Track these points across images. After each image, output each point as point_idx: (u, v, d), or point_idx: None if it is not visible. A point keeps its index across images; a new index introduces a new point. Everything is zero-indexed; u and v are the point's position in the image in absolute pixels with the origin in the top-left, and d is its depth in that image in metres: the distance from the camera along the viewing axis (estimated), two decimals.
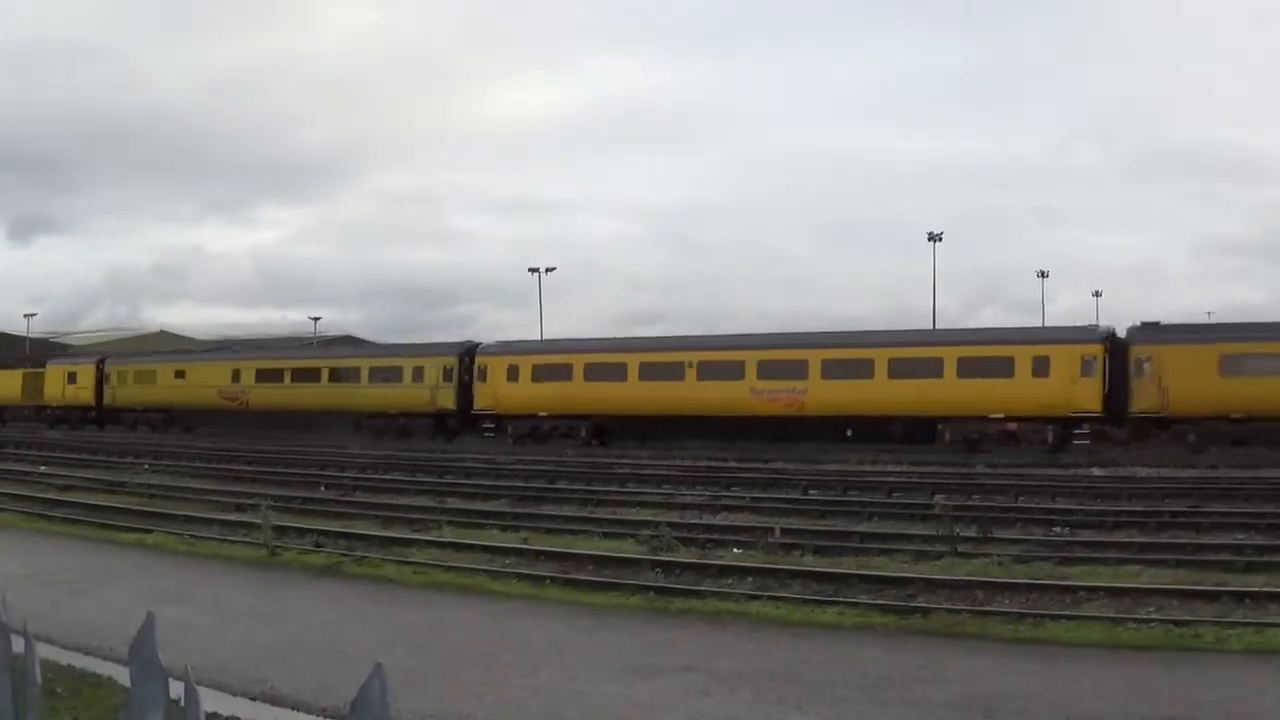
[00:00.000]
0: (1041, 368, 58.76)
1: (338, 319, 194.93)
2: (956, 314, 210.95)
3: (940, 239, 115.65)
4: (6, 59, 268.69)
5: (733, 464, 50.69)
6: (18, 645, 4.29)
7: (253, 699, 15.24)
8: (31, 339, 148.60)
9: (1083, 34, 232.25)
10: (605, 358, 72.30)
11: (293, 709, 14.89)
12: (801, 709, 14.39)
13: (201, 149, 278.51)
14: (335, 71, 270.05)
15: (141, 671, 1.89)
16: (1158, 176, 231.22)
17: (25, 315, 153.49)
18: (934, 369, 61.17)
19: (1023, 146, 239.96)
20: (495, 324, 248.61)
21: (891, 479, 42.78)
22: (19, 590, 20.71)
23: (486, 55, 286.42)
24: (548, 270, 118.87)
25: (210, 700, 14.14)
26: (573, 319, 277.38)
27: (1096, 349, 59.12)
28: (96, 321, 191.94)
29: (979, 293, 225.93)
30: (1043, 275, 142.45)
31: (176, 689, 2.90)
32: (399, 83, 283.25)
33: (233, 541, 29.92)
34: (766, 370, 65.21)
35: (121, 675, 16.00)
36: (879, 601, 20.66)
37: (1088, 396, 58.15)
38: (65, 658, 16.41)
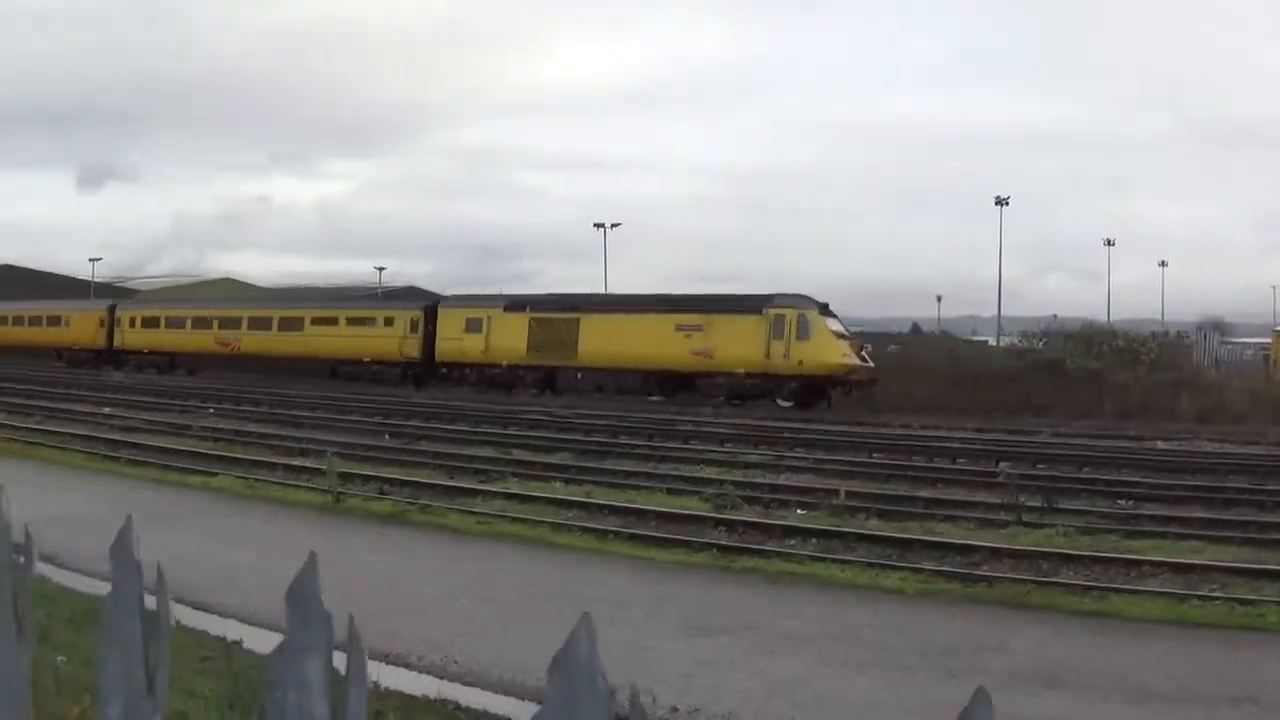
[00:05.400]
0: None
1: (402, 270, 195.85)
2: (1023, 280, 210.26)
3: (1007, 204, 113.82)
4: (81, 16, 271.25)
5: (797, 424, 50.56)
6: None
7: None
8: (96, 284, 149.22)
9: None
10: None
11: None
12: (865, 673, 14.39)
13: (269, 103, 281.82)
14: (403, 29, 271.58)
15: (121, 572, 1.89)
16: (1226, 147, 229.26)
17: (90, 260, 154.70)
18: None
19: (1091, 113, 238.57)
20: (559, 279, 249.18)
21: (957, 445, 42.64)
22: (85, 530, 20.88)
23: (554, 14, 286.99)
24: (613, 226, 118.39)
25: (271, 642, 14.25)
26: (637, 275, 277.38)
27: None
28: (163, 268, 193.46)
29: (1046, 260, 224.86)
30: (1109, 244, 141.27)
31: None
32: (466, 40, 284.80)
33: (297, 487, 30.04)
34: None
35: (184, 615, 16.10)
36: (944, 568, 20.59)
37: None
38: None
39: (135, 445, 38.62)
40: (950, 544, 22.76)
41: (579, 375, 72.38)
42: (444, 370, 79.60)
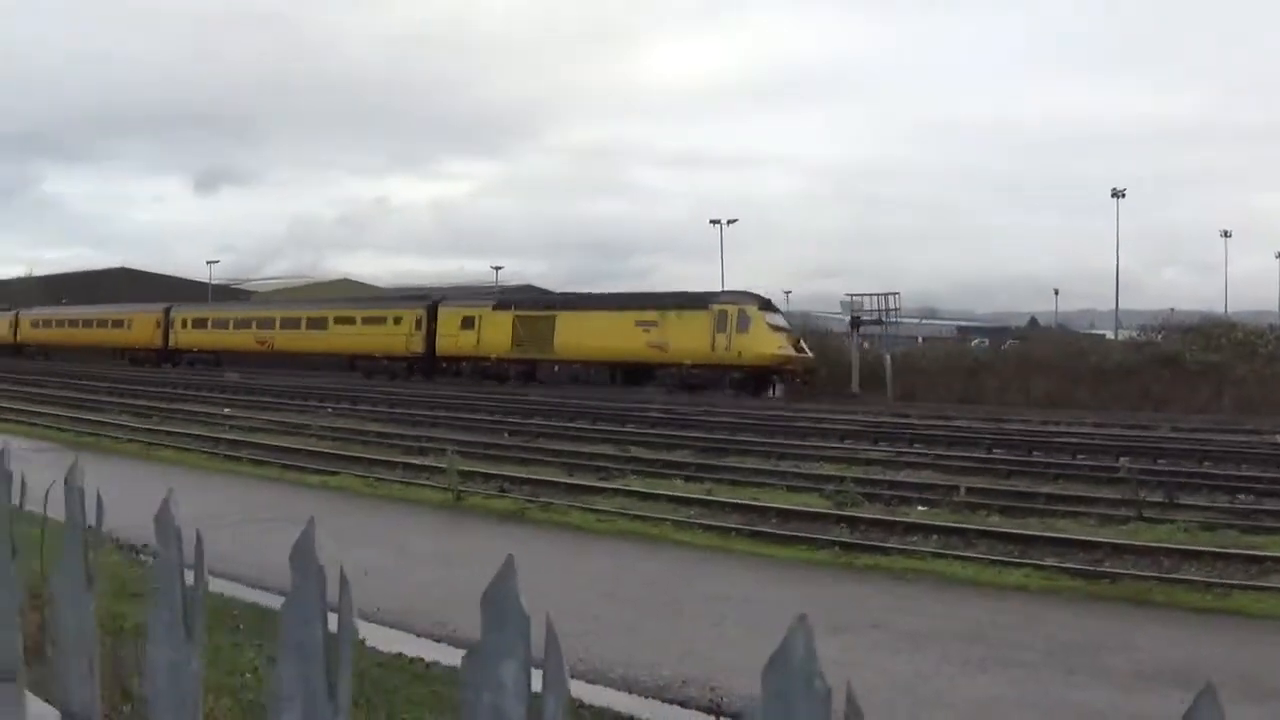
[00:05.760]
0: None
1: (520, 269, 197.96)
2: (1140, 273, 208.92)
3: (1123, 196, 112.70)
4: (198, 22, 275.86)
5: (916, 420, 50.45)
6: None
7: (437, 641, 15.50)
8: (214, 285, 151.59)
9: None
10: None
11: None
12: (988, 671, 14.43)
13: (386, 105, 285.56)
14: (518, 29, 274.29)
15: (301, 574, 2.04)
16: None
17: (208, 262, 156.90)
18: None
19: (1206, 105, 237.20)
20: (674, 276, 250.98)
21: (1076, 440, 42.35)
22: (206, 529, 21.19)
23: (665, 11, 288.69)
24: (729, 223, 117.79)
25: (394, 641, 14.51)
26: (752, 271, 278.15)
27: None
28: (280, 269, 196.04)
29: (1163, 252, 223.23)
30: (1225, 235, 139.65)
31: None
32: (580, 38, 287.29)
33: (418, 485, 30.38)
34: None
35: None
36: (1066, 565, 20.52)
37: None
38: (250, 595, 16.81)
39: (255, 445, 39.34)
40: (1072, 540, 22.61)
41: (556, 367, 79.09)
42: (444, 364, 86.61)
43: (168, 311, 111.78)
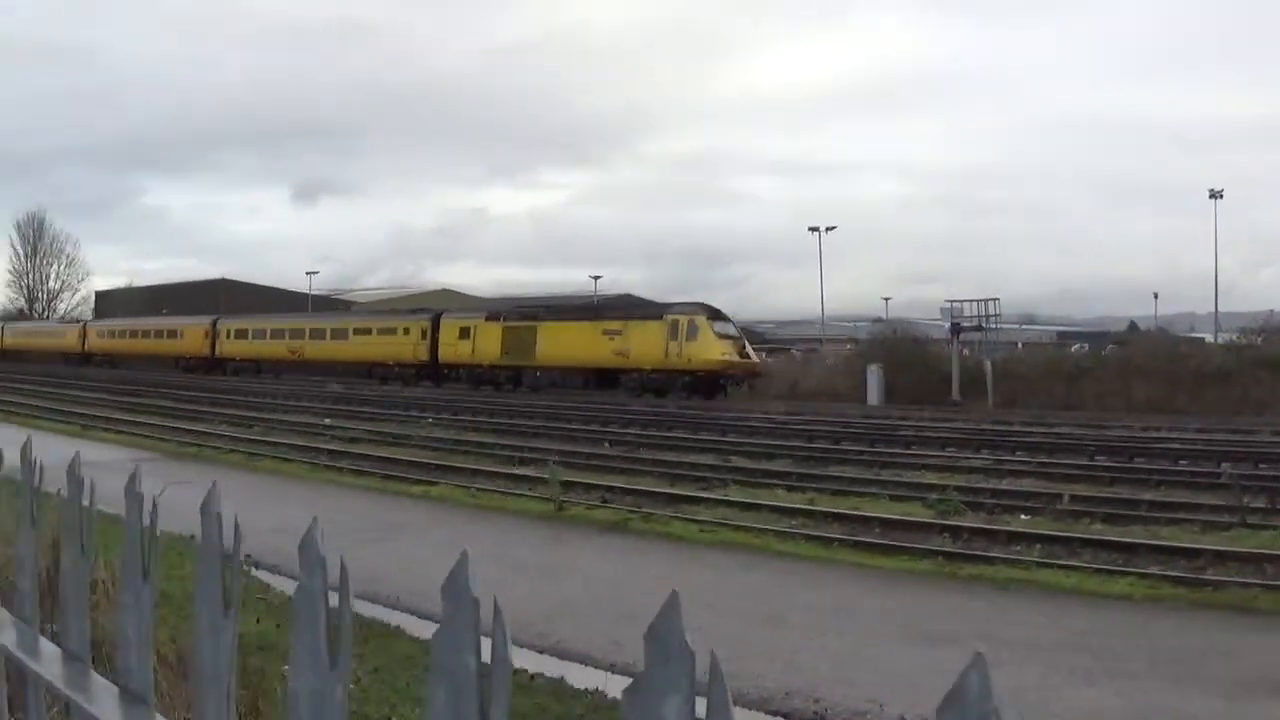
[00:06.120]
0: None
1: (618, 279, 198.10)
2: (1240, 275, 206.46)
3: (1221, 196, 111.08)
4: (296, 33, 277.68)
5: (1017, 427, 50.13)
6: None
7: (540, 652, 15.59)
8: (314, 296, 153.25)
9: None
10: None
11: (580, 663, 15.21)
12: (1092, 682, 14.41)
13: (485, 115, 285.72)
14: (615, 39, 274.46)
15: (454, 603, 2.12)
16: None
17: (307, 273, 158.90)
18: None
19: None
20: (771, 284, 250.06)
21: (1178, 446, 42.01)
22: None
23: (760, 18, 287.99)
24: (828, 230, 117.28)
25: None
26: (851, 278, 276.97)
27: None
28: (380, 280, 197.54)
29: (1264, 253, 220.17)
30: None
31: None
32: (676, 48, 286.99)
33: (519, 495, 30.53)
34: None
35: (408, 623, 16.52)
36: (1169, 573, 20.41)
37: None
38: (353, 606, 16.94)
39: (355, 455, 39.79)
40: (1175, 548, 22.47)
41: (538, 373, 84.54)
42: (445, 371, 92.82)
43: (215, 323, 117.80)
